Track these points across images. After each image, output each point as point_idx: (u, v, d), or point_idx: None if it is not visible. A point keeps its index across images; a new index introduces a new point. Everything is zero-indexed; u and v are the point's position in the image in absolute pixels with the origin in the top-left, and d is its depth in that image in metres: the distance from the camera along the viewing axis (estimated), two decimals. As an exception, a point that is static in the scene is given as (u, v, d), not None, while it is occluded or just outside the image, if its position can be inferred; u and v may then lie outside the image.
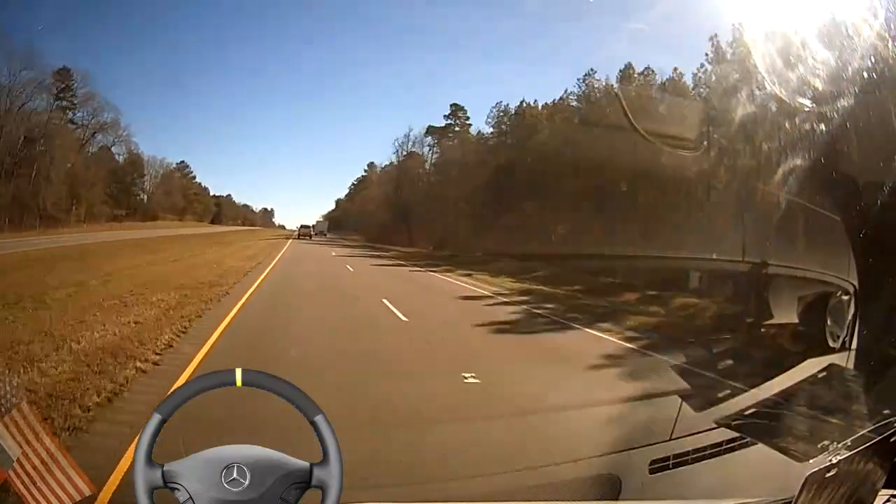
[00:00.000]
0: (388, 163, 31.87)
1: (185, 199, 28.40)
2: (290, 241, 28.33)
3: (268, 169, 34.87)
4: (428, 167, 29.81)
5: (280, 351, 7.22)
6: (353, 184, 33.98)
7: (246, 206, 32.52)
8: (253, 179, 38.46)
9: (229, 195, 31.41)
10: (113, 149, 24.01)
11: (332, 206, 34.42)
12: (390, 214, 30.04)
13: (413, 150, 29.35)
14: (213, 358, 6.60)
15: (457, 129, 28.56)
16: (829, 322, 3.87)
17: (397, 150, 29.67)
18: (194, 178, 29.27)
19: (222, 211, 30.87)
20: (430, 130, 28.98)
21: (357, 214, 33.38)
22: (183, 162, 28.66)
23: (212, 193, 30.55)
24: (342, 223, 33.48)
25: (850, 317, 3.53)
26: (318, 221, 31.24)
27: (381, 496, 3.20)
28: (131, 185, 25.00)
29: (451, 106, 27.89)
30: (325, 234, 30.28)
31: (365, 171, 33.08)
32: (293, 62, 26.79)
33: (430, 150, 29.40)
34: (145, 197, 26.18)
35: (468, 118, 28.16)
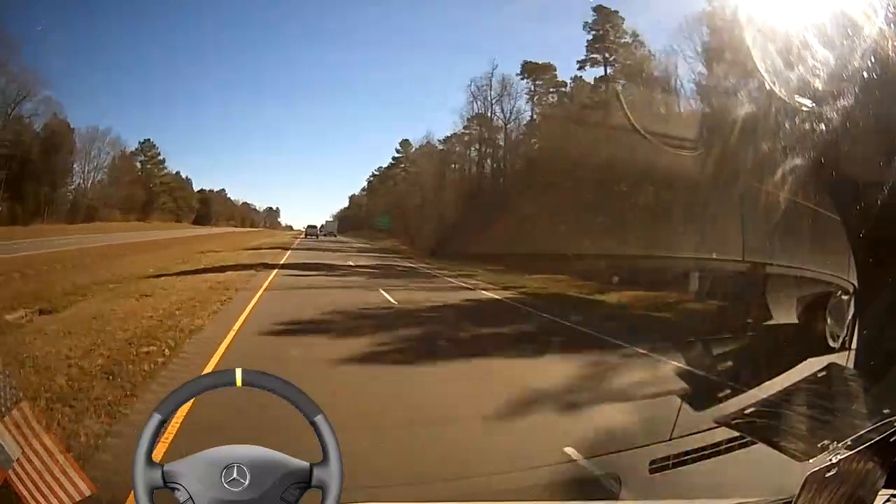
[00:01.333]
0: (424, 139, 22.07)
1: (148, 191, 20.26)
2: (284, 260, 17.63)
3: (272, 164, 29.70)
4: (525, 127, 18.54)
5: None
6: (373, 174, 25.85)
7: (246, 205, 27.40)
8: (255, 175, 32.51)
9: (222, 190, 25.47)
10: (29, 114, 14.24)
11: (346, 204, 28.32)
12: (460, 208, 19.12)
13: (491, 106, 18.80)
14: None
15: (611, 43, 15.57)
16: (829, 322, 3.87)
17: (471, 102, 19.19)
18: (163, 162, 20.76)
19: (211, 209, 24.65)
20: (529, 69, 17.81)
21: (386, 210, 25.02)
22: (148, 141, 19.81)
23: (197, 188, 23.81)
24: (361, 222, 27.23)
25: (850, 317, 3.53)
26: (326, 221, 26.54)
27: (381, 496, 3.19)
28: (44, 169, 15.80)
29: (594, 10, 15.92)
30: (334, 235, 25.76)
31: (397, 152, 23.98)
32: (295, 41, 21.83)
33: (529, 101, 18.31)
34: (85, 188, 17.74)
35: (622, 26, 15.18)
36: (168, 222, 21.60)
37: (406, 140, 23.60)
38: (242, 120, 25.83)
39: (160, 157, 20.63)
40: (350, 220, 27.48)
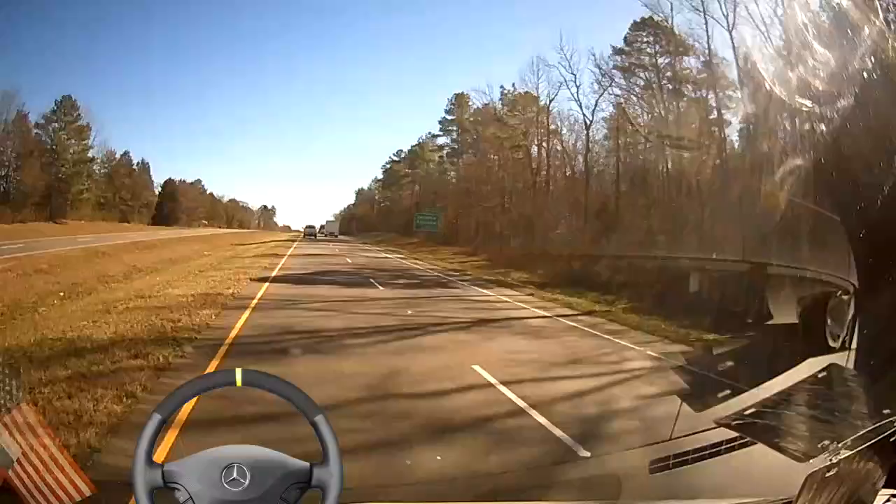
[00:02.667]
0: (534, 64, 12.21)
1: (60, 178, 12.98)
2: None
3: (267, 149, 26.13)
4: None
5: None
6: (392, 158, 19.55)
7: (234, 202, 23.58)
8: (249, 168, 28.87)
9: (197, 182, 20.30)
10: None
11: (353, 200, 24.08)
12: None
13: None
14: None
15: None
16: (829, 322, 3.87)
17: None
18: (87, 130, 13.25)
19: (179, 205, 19.53)
20: None
21: (417, 202, 18.21)
22: (67, 99, 12.57)
23: (159, 178, 18.02)
24: (372, 222, 22.94)
25: (850, 317, 3.52)
26: (327, 221, 23.62)
27: (381, 496, 3.19)
28: None
29: None
30: (335, 236, 23.25)
31: (447, 111, 16.22)
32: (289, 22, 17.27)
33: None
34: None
35: None
36: (102, 222, 14.34)
37: (461, 94, 15.23)
38: (225, 95, 20.92)
39: (82, 124, 12.86)
40: (359, 220, 23.67)
